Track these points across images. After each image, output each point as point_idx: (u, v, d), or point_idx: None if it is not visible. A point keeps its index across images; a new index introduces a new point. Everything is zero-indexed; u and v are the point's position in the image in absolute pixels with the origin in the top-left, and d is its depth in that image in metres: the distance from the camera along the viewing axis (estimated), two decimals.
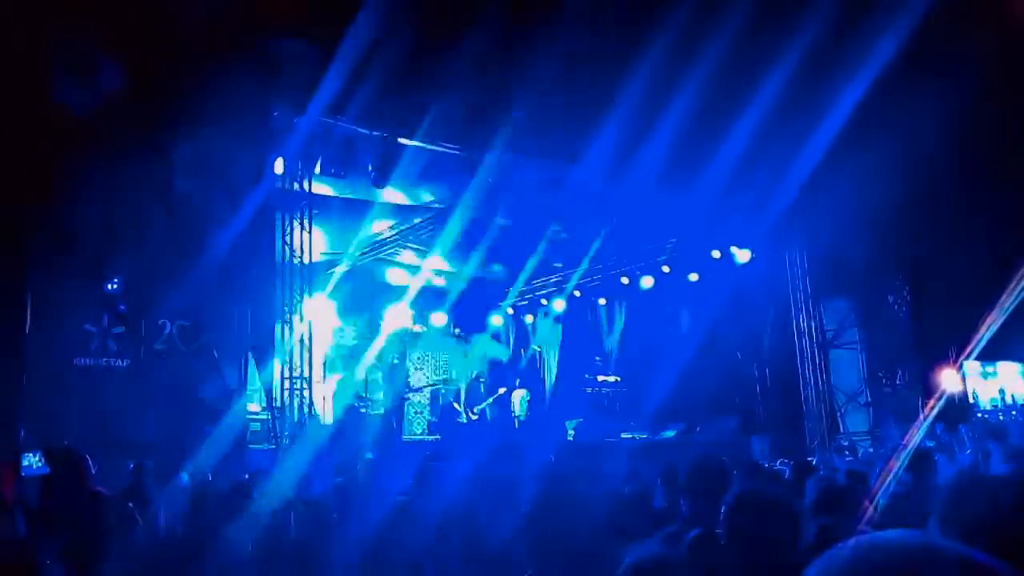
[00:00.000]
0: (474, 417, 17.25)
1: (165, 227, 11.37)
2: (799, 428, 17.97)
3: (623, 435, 16.66)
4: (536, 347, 18.43)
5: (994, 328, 12.22)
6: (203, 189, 11.70)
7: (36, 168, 10.31)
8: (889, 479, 6.34)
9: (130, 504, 6.86)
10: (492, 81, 12.55)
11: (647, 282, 18.06)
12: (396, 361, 18.08)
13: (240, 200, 12.10)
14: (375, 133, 13.19)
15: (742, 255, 17.85)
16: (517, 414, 17.61)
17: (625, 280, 18.62)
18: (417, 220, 15.99)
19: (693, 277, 18.74)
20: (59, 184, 10.52)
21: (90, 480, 5.98)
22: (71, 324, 11.25)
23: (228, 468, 10.60)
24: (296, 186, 13.54)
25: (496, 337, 18.30)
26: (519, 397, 17.73)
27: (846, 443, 16.35)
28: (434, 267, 18.02)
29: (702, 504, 4.62)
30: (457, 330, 19.08)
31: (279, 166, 12.99)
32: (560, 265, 17.39)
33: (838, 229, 17.35)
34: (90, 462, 5.90)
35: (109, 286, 11.48)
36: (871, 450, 14.88)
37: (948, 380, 16.02)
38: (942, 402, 15.03)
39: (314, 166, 13.38)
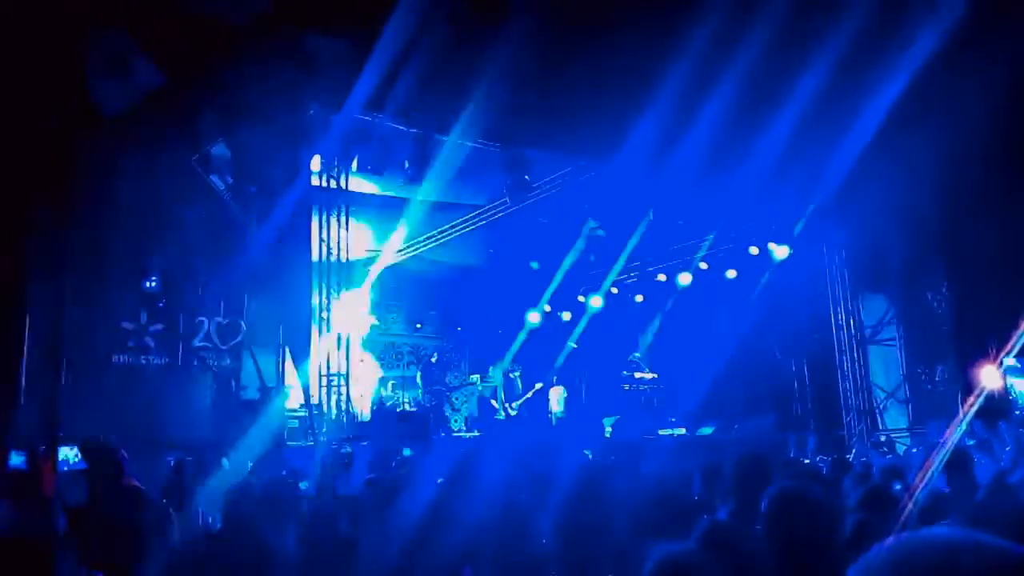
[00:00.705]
0: (512, 412, 17.01)
1: (203, 224, 11.23)
2: (837, 425, 17.76)
3: (660, 432, 16.44)
4: (573, 344, 18.15)
5: None
6: (240, 186, 11.55)
7: (72, 164, 10.18)
8: (928, 477, 6.27)
9: (165, 500, 6.69)
10: (530, 76, 12.31)
11: (684, 279, 17.80)
12: (435, 359, 17.92)
13: (277, 197, 11.92)
14: (412, 130, 12.98)
15: (780, 251, 17.57)
16: (555, 411, 17.35)
17: (662, 277, 18.39)
18: (459, 220, 15.79)
19: (731, 274, 18.52)
20: (96, 180, 10.40)
21: (126, 474, 5.81)
22: (109, 321, 11.12)
23: (267, 466, 10.45)
24: (333, 183, 13.29)
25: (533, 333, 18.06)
26: (557, 394, 17.48)
27: (884, 439, 16.09)
28: (471, 264, 17.90)
29: (744, 502, 4.60)
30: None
31: (316, 163, 12.72)
32: (597, 260, 17.17)
33: (877, 224, 17.15)
34: (125, 456, 5.72)
35: (147, 283, 11.34)
36: (913, 449, 14.58)
37: (988, 377, 15.71)
38: (982, 399, 14.80)
39: (351, 163, 13.18)
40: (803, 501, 3.47)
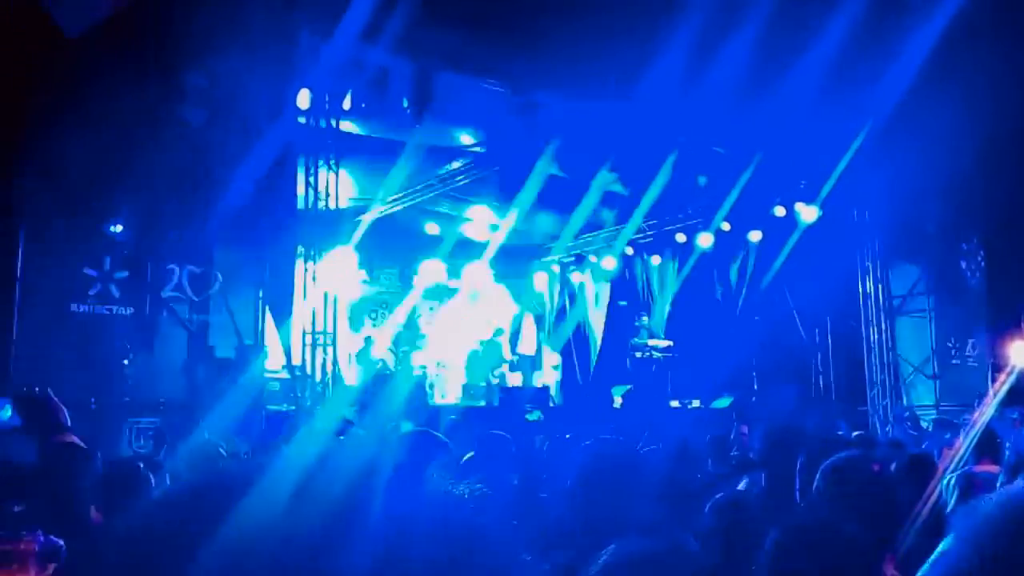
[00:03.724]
0: (494, 381, 16.51)
1: (175, 163, 10.46)
2: (861, 399, 17.43)
3: (672, 404, 16.01)
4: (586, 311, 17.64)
5: None
6: (218, 122, 10.79)
7: (26, 92, 9.44)
8: (957, 459, 6.20)
9: (141, 465, 6.10)
10: (542, 11, 11.66)
11: (705, 240, 17.26)
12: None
13: (259, 136, 11.16)
14: (412, 64, 12.23)
15: (808, 213, 17.00)
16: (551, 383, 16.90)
17: (682, 237, 17.89)
18: (456, 164, 15.12)
19: (755, 236, 17.98)
20: (54, 112, 9.63)
21: (62, 430, 5.17)
22: (69, 267, 10.38)
23: (247, 430, 9.85)
24: (323, 122, 12.60)
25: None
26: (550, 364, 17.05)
27: (908, 415, 15.79)
28: (474, 217, 17.31)
29: (774, 475, 4.70)
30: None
31: (304, 99, 11.96)
32: (613, 218, 16.62)
33: (911, 187, 16.83)
34: (63, 410, 5.05)
35: (111, 227, 10.62)
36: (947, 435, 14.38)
37: (1020, 354, 15.32)
38: (1013, 377, 14.54)
39: (343, 100, 12.45)
40: (862, 470, 3.61)
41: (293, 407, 11.82)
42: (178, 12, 10.23)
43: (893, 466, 5.56)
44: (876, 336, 17.86)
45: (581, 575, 2.85)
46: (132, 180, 10.30)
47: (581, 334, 17.29)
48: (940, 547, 0.88)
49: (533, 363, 16.56)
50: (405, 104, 12.57)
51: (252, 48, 10.80)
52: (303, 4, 11.22)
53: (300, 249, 12.44)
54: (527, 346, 16.49)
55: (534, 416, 13.99)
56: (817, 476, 3.62)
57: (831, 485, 3.53)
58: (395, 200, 15.53)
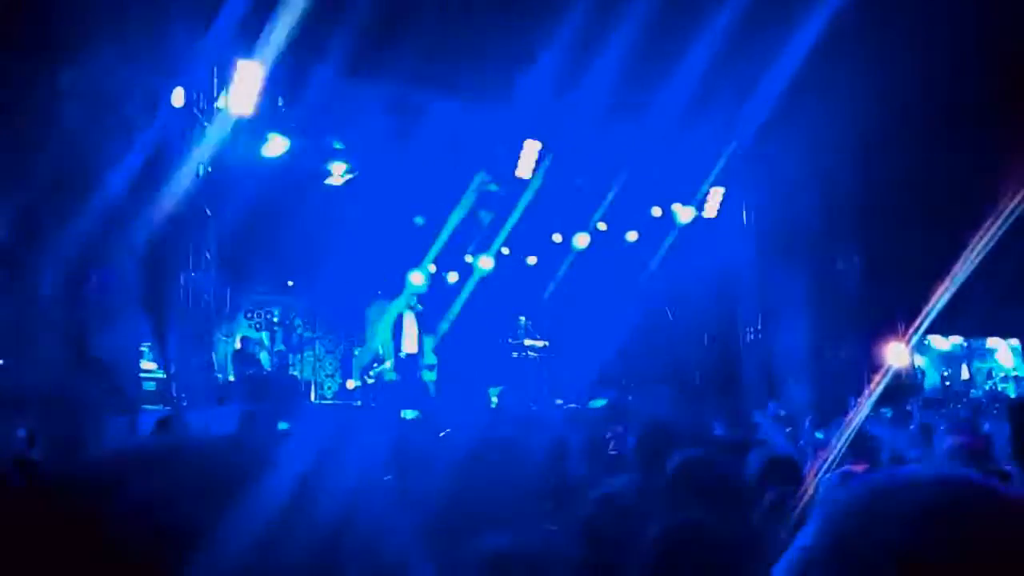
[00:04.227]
0: (370, 381, 17.35)
1: (52, 161, 10.99)
2: (737, 399, 17.96)
3: (554, 403, 16.83)
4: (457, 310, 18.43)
5: (944, 300, 12.49)
6: (94, 119, 11.33)
7: None
8: (831, 459, 6.27)
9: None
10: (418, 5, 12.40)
11: (582, 240, 18.12)
12: (276, 318, 18.00)
13: (135, 134, 11.75)
14: (286, 62, 12.86)
15: (685, 214, 17.86)
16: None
17: (558, 238, 18.66)
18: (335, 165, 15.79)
19: (632, 236, 18.80)
20: None
21: None
22: None
23: (120, 430, 10.38)
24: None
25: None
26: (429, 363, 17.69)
27: (783, 415, 16.66)
28: None
29: (647, 472, 4.94)
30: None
31: (178, 97, 12.57)
32: (490, 219, 17.34)
33: (790, 189, 17.53)
34: None
35: None
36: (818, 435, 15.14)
37: (895, 354, 16.49)
38: (888, 377, 15.38)
39: (217, 98, 13.08)
40: (709, 469, 3.95)
41: (169, 407, 12.42)
42: (50, 7, 10.79)
43: (758, 466, 5.78)
44: (752, 336, 18.65)
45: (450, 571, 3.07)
46: (8, 179, 10.82)
47: (457, 333, 18.02)
48: (800, 535, 0.97)
49: (415, 362, 17.25)
50: (280, 102, 13.32)
51: (126, 45, 11.41)
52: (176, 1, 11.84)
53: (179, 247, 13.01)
54: (409, 345, 17.24)
55: (410, 415, 14.73)
56: (669, 473, 3.95)
57: (681, 482, 3.88)
58: None
